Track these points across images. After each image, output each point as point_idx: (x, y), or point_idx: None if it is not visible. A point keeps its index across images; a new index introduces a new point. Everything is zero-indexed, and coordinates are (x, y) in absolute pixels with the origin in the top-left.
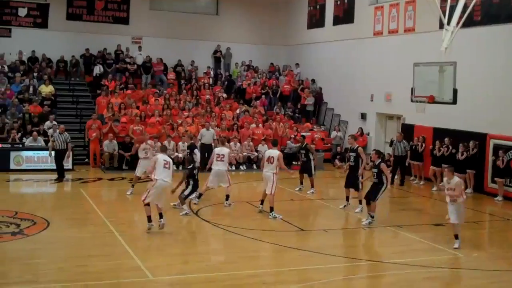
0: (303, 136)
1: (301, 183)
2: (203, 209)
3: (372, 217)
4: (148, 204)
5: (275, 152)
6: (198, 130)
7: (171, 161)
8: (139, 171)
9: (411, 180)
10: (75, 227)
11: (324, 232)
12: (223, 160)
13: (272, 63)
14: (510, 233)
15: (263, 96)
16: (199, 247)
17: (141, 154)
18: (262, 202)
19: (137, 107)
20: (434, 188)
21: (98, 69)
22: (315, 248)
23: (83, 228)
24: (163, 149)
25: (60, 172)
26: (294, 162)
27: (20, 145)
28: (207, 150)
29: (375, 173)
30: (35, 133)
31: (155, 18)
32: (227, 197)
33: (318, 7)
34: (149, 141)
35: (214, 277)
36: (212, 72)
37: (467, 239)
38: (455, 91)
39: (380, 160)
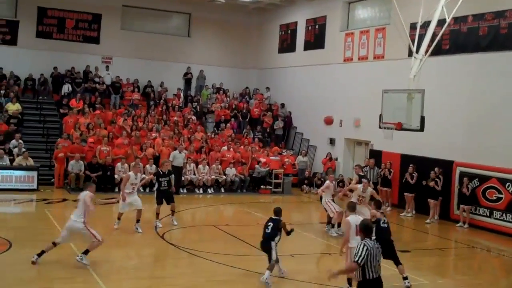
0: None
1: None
2: (168, 232)
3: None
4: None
5: None
6: (168, 153)
7: None
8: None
9: None
10: (39, 248)
11: (291, 257)
12: None
13: (247, 87)
14: (475, 260)
15: (233, 119)
16: (164, 271)
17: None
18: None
19: (105, 128)
20: (402, 214)
21: (66, 88)
22: None
23: None
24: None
25: None
26: (262, 186)
27: None
28: (177, 172)
29: None
30: (0, 151)
31: (126, 38)
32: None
33: (289, 32)
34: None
35: None
36: (182, 94)
37: (433, 266)
38: (422, 119)
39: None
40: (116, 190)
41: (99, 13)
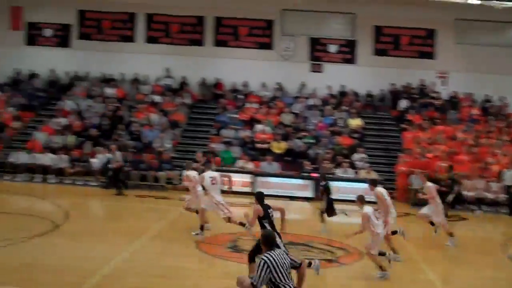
0: None
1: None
2: None
3: None
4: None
5: None
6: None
7: None
8: None
9: None
10: None
11: None
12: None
13: None
14: None
15: None
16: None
17: None
18: None
19: (445, 143)
20: None
21: (403, 103)
22: None
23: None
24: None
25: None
26: None
27: (331, 175)
28: None
29: None
30: (345, 164)
31: (461, 52)
32: None
33: None
34: None
35: None
36: None
37: None
38: None
39: None
40: None
41: (433, 28)
